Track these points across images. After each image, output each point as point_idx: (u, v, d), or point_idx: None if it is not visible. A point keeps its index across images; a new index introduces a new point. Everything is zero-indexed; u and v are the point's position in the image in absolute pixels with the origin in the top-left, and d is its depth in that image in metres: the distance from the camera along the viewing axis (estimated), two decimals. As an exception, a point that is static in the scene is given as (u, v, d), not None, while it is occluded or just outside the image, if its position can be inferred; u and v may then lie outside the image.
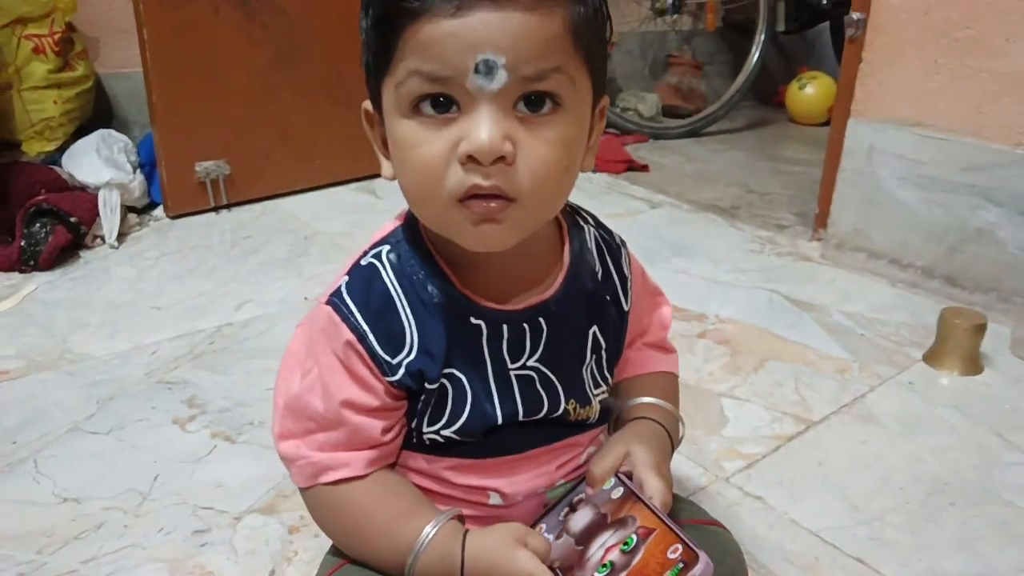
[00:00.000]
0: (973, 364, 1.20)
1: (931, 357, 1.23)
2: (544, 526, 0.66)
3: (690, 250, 1.64)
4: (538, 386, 0.63)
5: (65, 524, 0.87)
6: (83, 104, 1.77)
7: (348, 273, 0.62)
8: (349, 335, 0.59)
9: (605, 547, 0.62)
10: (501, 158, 0.51)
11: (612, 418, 0.74)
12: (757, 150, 2.41)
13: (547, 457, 0.65)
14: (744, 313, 1.37)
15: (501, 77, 0.50)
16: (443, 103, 0.52)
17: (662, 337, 0.77)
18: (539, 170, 0.52)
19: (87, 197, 1.58)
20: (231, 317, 1.33)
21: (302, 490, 0.63)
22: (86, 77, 1.75)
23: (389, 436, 0.62)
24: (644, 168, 2.17)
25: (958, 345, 1.20)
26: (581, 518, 0.66)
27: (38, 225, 1.47)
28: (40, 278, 1.44)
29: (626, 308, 0.69)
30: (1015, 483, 0.97)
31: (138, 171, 1.72)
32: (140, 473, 0.95)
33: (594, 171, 2.12)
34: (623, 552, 0.60)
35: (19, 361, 1.18)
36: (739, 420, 1.08)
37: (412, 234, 0.62)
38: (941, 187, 1.40)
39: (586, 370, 0.66)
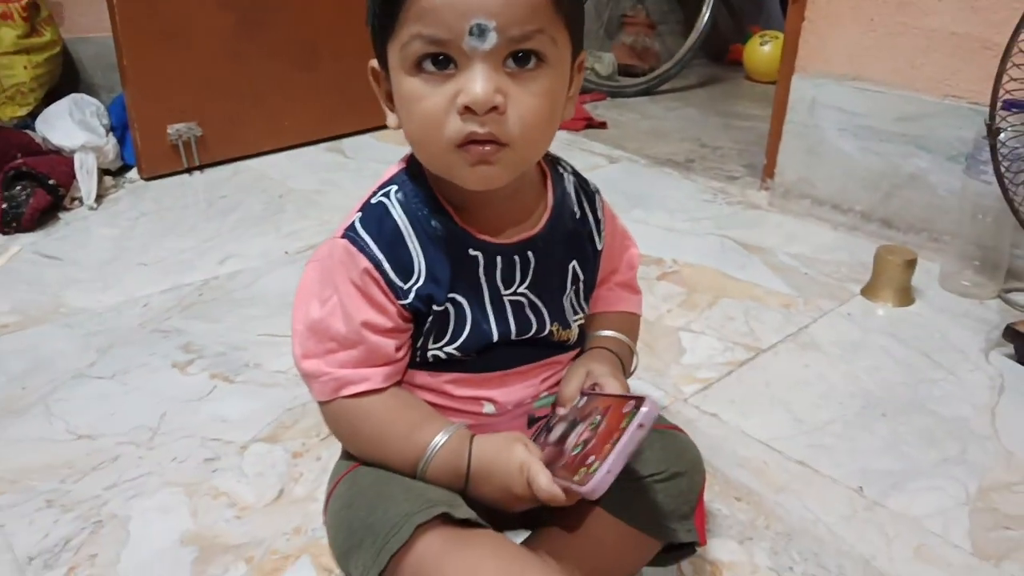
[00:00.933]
0: (905, 296, 1.33)
1: (868, 291, 1.35)
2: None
3: (648, 201, 1.74)
4: (527, 310, 0.73)
5: (82, 457, 0.94)
6: (52, 69, 1.79)
7: (360, 210, 0.70)
8: (366, 263, 0.67)
9: (579, 435, 0.71)
10: (494, 108, 0.59)
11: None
12: (709, 106, 2.51)
13: (534, 372, 0.75)
14: (698, 257, 1.48)
15: (492, 38, 0.58)
16: (442, 61, 0.60)
17: (630, 277, 0.86)
18: (527, 118, 0.61)
19: (63, 160, 1.61)
20: (216, 271, 1.39)
21: (322, 404, 0.72)
22: (54, 42, 1.77)
23: (400, 354, 0.71)
24: (602, 125, 2.25)
25: (891, 279, 1.32)
26: (557, 430, 0.76)
27: (18, 188, 1.51)
28: (24, 239, 1.48)
29: (599, 247, 0.79)
30: (938, 396, 1.09)
31: (110, 134, 1.75)
32: (147, 412, 1.02)
33: (554, 129, 2.20)
34: (591, 429, 0.68)
35: (15, 316, 1.23)
36: (695, 350, 1.19)
37: (415, 176, 0.70)
38: (877, 137, 1.51)
39: (567, 299, 0.76)
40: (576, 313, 0.78)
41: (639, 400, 0.64)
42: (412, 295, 0.68)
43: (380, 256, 0.67)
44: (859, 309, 1.31)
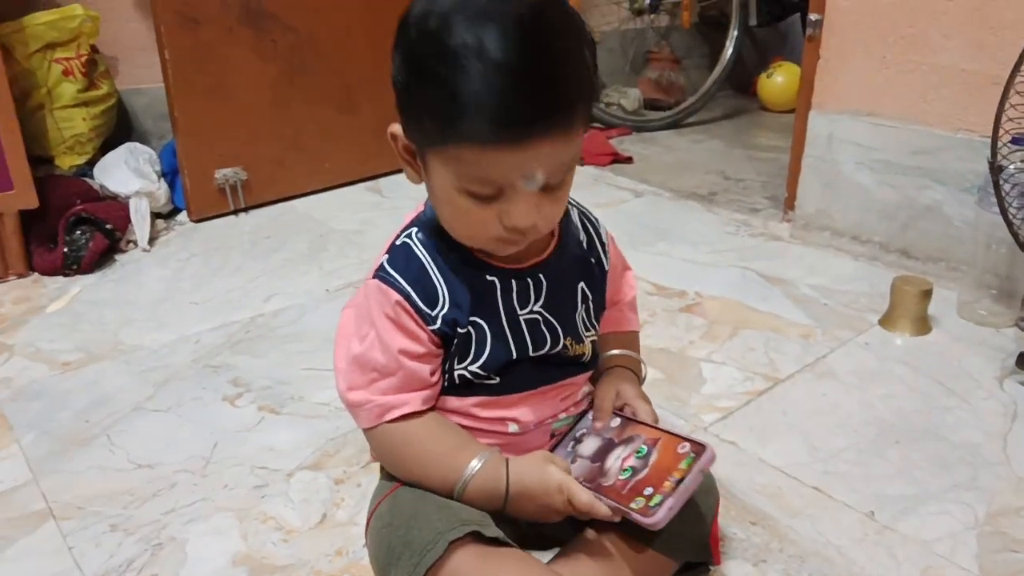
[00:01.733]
0: (922, 325, 1.37)
1: (885, 320, 1.39)
2: (559, 456, 0.82)
3: (672, 234, 1.80)
4: (542, 326, 0.81)
5: (143, 485, 1.02)
6: (108, 119, 1.91)
7: (387, 252, 0.80)
8: (397, 296, 0.76)
9: (620, 459, 0.79)
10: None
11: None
12: (733, 138, 2.57)
13: (553, 393, 0.83)
14: (720, 289, 1.53)
15: (540, 182, 0.68)
16: (491, 196, 0.69)
17: (632, 297, 0.96)
18: (553, 217, 0.74)
19: (119, 206, 1.72)
20: (262, 308, 1.48)
21: (367, 431, 0.80)
22: (110, 95, 1.89)
23: (435, 378, 0.79)
24: (628, 160, 2.32)
25: (908, 309, 1.36)
26: (590, 445, 0.83)
27: (78, 232, 1.61)
28: (83, 281, 1.59)
29: (606, 268, 0.88)
30: (951, 423, 1.13)
31: (162, 179, 1.86)
32: (201, 442, 1.10)
33: (581, 164, 2.27)
34: (638, 458, 0.78)
35: (78, 353, 1.33)
36: (716, 380, 1.24)
37: (432, 219, 0.79)
38: (893, 170, 1.56)
39: (578, 316, 0.84)
40: (588, 329, 0.86)
41: (697, 446, 0.75)
42: (439, 321, 0.77)
43: (408, 288, 0.77)
44: (877, 339, 1.35)
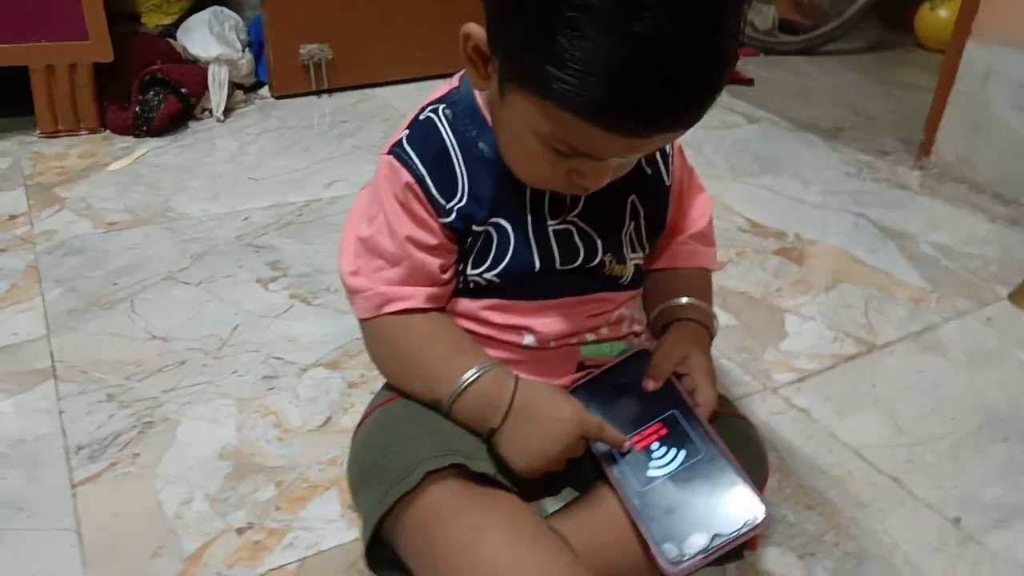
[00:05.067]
0: (1062, 307, 1.15)
1: (1017, 295, 1.18)
2: (586, 396, 0.69)
3: (780, 167, 1.59)
4: (576, 238, 0.68)
5: (152, 358, 0.96)
6: (199, -20, 1.83)
7: (408, 127, 0.68)
8: (408, 178, 0.65)
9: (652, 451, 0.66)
10: None
11: (657, 311, 0.77)
12: (873, 73, 2.28)
13: (578, 306, 0.70)
14: (825, 234, 1.34)
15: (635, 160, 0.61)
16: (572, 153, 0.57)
17: (705, 227, 0.79)
18: (626, 171, 0.63)
19: (198, 70, 1.66)
20: (320, 193, 1.39)
21: (363, 322, 0.70)
22: (204, -47, 1.81)
23: (446, 276, 0.68)
24: (748, 82, 2.09)
25: (1048, 286, 1.15)
26: (628, 405, 0.69)
27: (152, 93, 1.56)
28: (151, 143, 1.54)
29: (667, 183, 0.73)
30: (1078, 426, 0.94)
31: (247, 49, 1.79)
32: (222, 322, 1.03)
33: (696, 82, 2.06)
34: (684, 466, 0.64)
35: (126, 215, 1.28)
36: (799, 336, 1.08)
37: (467, 97, 0.66)
38: (1060, 119, 1.31)
39: (625, 234, 0.72)
40: (635, 251, 0.73)
41: (751, 502, 0.61)
42: (454, 214, 0.66)
43: (423, 171, 0.65)
44: (1002, 314, 1.15)
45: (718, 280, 1.17)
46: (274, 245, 1.22)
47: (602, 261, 0.70)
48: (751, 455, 0.71)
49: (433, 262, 0.67)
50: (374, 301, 0.68)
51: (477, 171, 0.66)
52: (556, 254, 0.68)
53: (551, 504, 0.72)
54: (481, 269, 0.68)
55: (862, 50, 2.52)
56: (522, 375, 0.67)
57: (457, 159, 0.66)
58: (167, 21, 1.77)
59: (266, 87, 1.83)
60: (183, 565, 0.71)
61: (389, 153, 0.67)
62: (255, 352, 0.98)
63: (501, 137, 0.63)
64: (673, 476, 0.64)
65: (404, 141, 0.67)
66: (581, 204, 0.68)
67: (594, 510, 0.67)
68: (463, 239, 0.68)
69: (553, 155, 0.58)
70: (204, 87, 1.65)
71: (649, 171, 0.72)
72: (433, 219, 0.66)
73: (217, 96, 1.65)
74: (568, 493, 0.72)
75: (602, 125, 0.53)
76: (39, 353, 0.95)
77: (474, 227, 0.67)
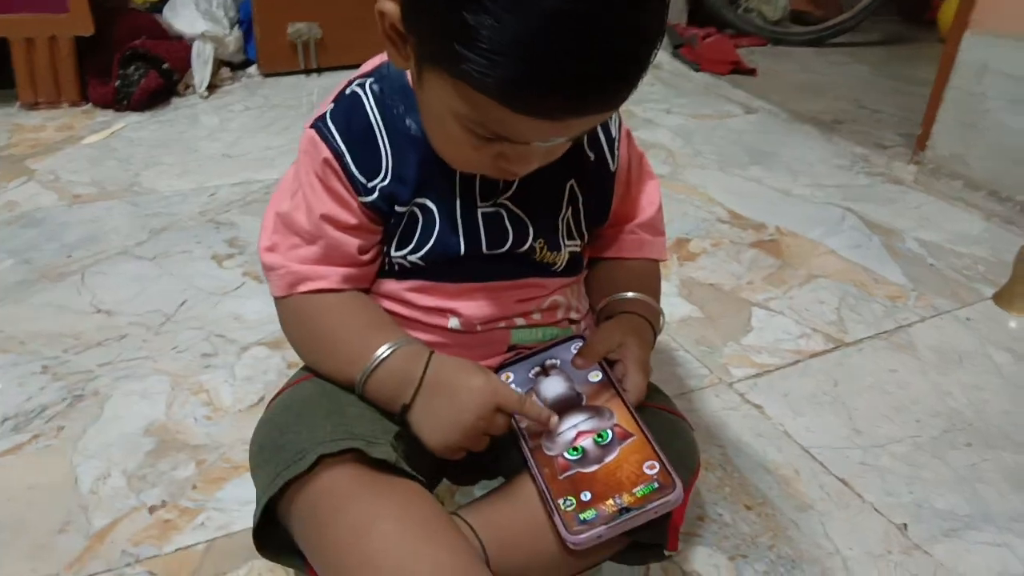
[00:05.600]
0: (1048, 310, 1.10)
1: (1001, 297, 1.13)
2: (512, 375, 0.67)
3: (771, 160, 1.55)
4: (506, 222, 0.65)
5: (93, 331, 0.94)
6: (191, -44, 1.81)
7: (333, 101, 0.65)
8: (327, 153, 0.62)
9: (577, 430, 0.63)
10: None
11: (602, 304, 0.74)
12: (884, 67, 2.22)
13: (507, 290, 0.67)
14: (807, 228, 1.29)
15: (559, 143, 0.56)
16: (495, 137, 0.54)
17: (652, 216, 0.75)
18: (557, 157, 0.59)
19: (183, 46, 1.64)
20: (292, 172, 1.37)
21: (278, 300, 0.67)
22: (195, -71, 1.79)
23: (365, 257, 0.65)
24: (751, 72, 2.04)
25: (1033, 287, 1.09)
26: (553, 386, 0.67)
27: (133, 68, 1.55)
28: (131, 117, 1.53)
29: (612, 168, 0.69)
30: (1048, 434, 0.89)
31: (236, 27, 1.77)
32: (170, 298, 1.01)
33: (697, 70, 2.02)
34: (597, 444, 0.62)
35: (92, 188, 1.27)
36: (763, 331, 1.04)
37: (396, 72, 0.63)
38: (1058, 114, 1.25)
39: (562, 220, 0.68)
40: (572, 238, 0.69)
41: (667, 477, 0.58)
42: (375, 193, 0.62)
43: (343, 147, 0.62)
44: (983, 316, 1.10)
45: (687, 271, 1.15)
46: (235, 222, 1.20)
47: (532, 247, 0.67)
48: (677, 450, 0.67)
49: (351, 242, 0.64)
50: (287, 279, 0.65)
51: (402, 149, 0.63)
52: (483, 238, 0.65)
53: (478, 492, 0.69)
54: (405, 251, 0.65)
55: (876, 43, 2.45)
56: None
57: (381, 136, 0.63)
58: (156, -3, 1.76)
59: (255, 65, 1.81)
60: (88, 541, 0.69)
61: (311, 127, 0.64)
62: (198, 329, 0.96)
63: (424, 119, 0.60)
64: (588, 449, 0.61)
65: (328, 115, 0.63)
66: (515, 186, 0.65)
67: (510, 503, 0.64)
68: (386, 219, 0.65)
69: (475, 139, 0.55)
70: (188, 63, 1.64)
71: (592, 155, 0.68)
72: (352, 197, 0.63)
73: (200, 72, 1.64)
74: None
75: (512, 107, 0.49)
76: (-20, 323, 0.94)
77: (397, 207, 0.64)
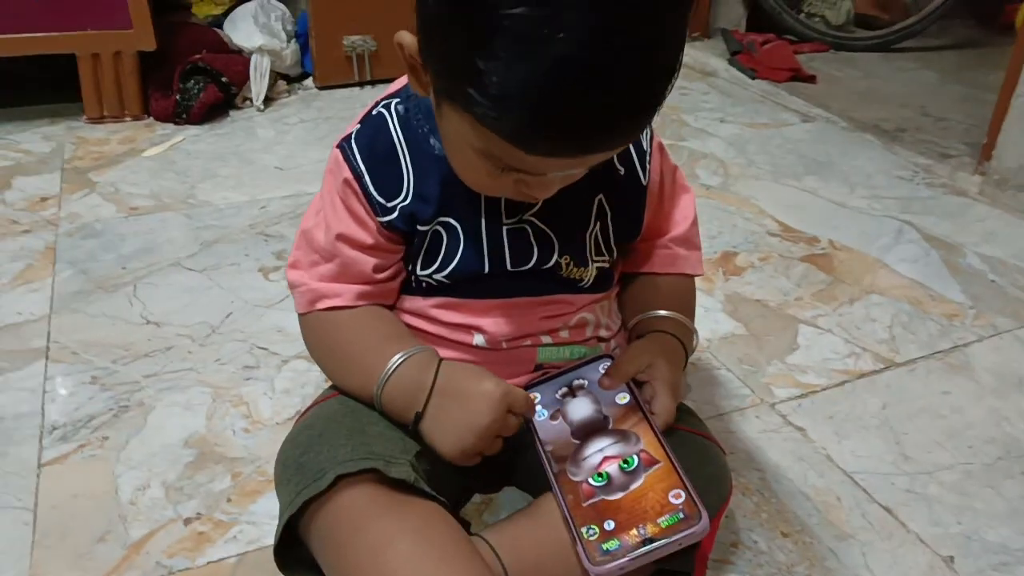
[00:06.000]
0: (1120, 331, 1.04)
1: (1069, 316, 1.07)
2: (538, 395, 0.67)
3: (828, 170, 1.50)
4: (531, 238, 0.65)
5: (142, 342, 0.97)
6: (251, -29, 1.86)
7: (360, 121, 0.66)
8: (348, 174, 0.64)
9: (604, 454, 0.63)
10: None
11: (634, 322, 0.74)
12: (953, 73, 2.13)
13: (532, 307, 0.67)
14: (862, 242, 1.25)
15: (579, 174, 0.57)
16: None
17: (686, 230, 0.74)
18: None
19: (241, 60, 1.68)
20: (341, 184, 1.39)
21: (301, 316, 0.70)
22: (255, -55, 1.84)
23: (382, 275, 0.66)
24: (811, 79, 1.99)
25: (1103, 306, 1.04)
26: (580, 408, 0.66)
27: (192, 82, 1.59)
28: (190, 131, 1.57)
29: (644, 182, 0.69)
30: (1114, 465, 0.84)
31: (293, 40, 1.80)
32: (217, 309, 1.04)
33: (753, 77, 1.98)
34: (622, 470, 0.61)
35: (150, 201, 1.31)
36: (810, 349, 1.01)
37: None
38: None
39: (590, 235, 0.68)
40: (600, 254, 0.69)
41: (692, 508, 0.56)
42: (396, 213, 0.64)
43: (363, 168, 0.64)
44: (1048, 336, 1.05)
45: (733, 286, 1.12)
46: (285, 235, 1.22)
47: (558, 263, 0.67)
48: (707, 476, 0.66)
49: (366, 261, 0.65)
50: (307, 296, 0.67)
51: (425, 169, 0.63)
52: (507, 256, 0.65)
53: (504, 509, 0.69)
54: (430, 270, 0.66)
55: (946, 48, 2.36)
56: None
57: (404, 157, 0.64)
58: (217, 11, 1.81)
59: (311, 78, 1.85)
60: (125, 551, 0.71)
61: (337, 147, 0.66)
62: (242, 341, 0.98)
63: (445, 145, 0.60)
64: (613, 475, 0.61)
65: (353, 136, 0.65)
66: (541, 202, 0.64)
67: (534, 525, 0.64)
68: (408, 239, 0.66)
69: (493, 168, 0.55)
70: (246, 76, 1.67)
71: (622, 169, 0.68)
72: (371, 218, 0.64)
73: (257, 85, 1.68)
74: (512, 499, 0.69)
75: (523, 149, 0.50)
76: (38, 333, 0.98)
77: (419, 227, 0.64)
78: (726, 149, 1.57)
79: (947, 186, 1.45)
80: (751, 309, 1.08)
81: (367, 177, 0.63)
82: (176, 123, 1.59)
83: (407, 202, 0.64)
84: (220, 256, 1.16)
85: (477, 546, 0.62)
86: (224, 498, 0.76)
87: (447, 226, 0.65)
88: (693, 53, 2.11)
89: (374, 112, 0.66)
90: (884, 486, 0.81)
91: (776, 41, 2.18)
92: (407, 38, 0.55)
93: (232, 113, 1.66)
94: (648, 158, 0.69)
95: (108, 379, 0.91)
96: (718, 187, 1.42)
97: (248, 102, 1.69)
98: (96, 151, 1.47)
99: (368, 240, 0.65)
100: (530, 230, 0.65)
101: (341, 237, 0.64)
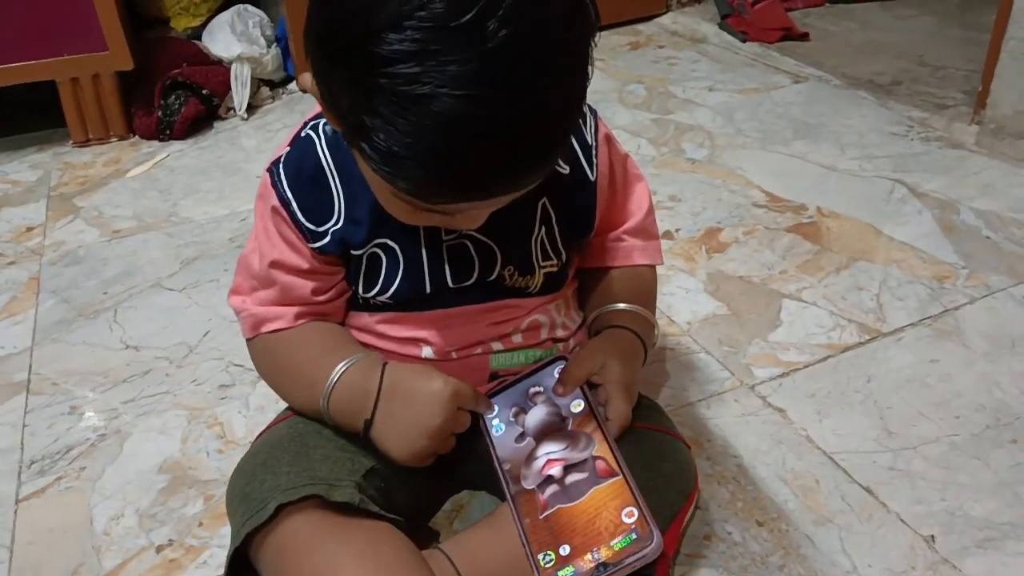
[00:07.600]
0: (1121, 280, 0.99)
1: (1067, 269, 1.03)
2: (495, 409, 0.66)
3: (818, 132, 1.46)
4: (472, 252, 0.64)
5: (120, 368, 0.98)
6: (226, -21, 1.85)
7: (289, 144, 0.66)
8: (275, 201, 0.63)
9: (548, 457, 0.62)
10: None
11: (592, 316, 0.72)
12: (956, 17, 2.05)
13: (479, 315, 0.66)
14: (852, 206, 1.22)
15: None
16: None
17: (641, 220, 0.72)
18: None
19: (222, 70, 1.68)
20: (322, 189, 1.38)
21: (248, 341, 0.70)
22: (228, -48, 1.83)
23: (321, 298, 0.66)
24: (803, 37, 1.93)
25: (1101, 256, 0.99)
26: (537, 418, 0.66)
27: (173, 97, 1.59)
28: (174, 147, 1.57)
29: (592, 178, 0.66)
30: (1110, 426, 0.81)
31: (274, 45, 1.79)
32: (195, 328, 1.04)
33: (744, 40, 1.92)
34: (574, 474, 0.61)
35: (132, 222, 1.31)
36: (793, 324, 0.98)
37: None
38: None
39: (535, 240, 0.66)
40: (547, 258, 0.67)
41: (645, 528, 0.56)
42: (328, 237, 0.63)
43: (289, 196, 0.63)
44: (1045, 293, 1.01)
45: (716, 263, 1.10)
46: (265, 246, 1.22)
47: (500, 275, 0.65)
48: (667, 474, 0.65)
49: (304, 285, 0.65)
50: (250, 322, 0.67)
51: (356, 192, 0.62)
52: (448, 273, 0.64)
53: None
54: (372, 292, 0.65)
55: (948, -10, 2.27)
56: None
57: (334, 180, 0.62)
58: (195, 23, 1.81)
59: (295, 81, 1.84)
60: (98, 583, 0.72)
61: (268, 170, 0.65)
62: (218, 360, 0.98)
63: (369, 181, 0.59)
64: (564, 481, 0.60)
65: (281, 160, 0.64)
66: None
67: (495, 535, 0.63)
68: (345, 262, 0.65)
69: (411, 207, 0.54)
70: (227, 86, 1.67)
71: (566, 169, 0.65)
72: (303, 244, 0.63)
73: (239, 95, 1.67)
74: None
75: (424, 200, 0.50)
76: (20, 366, 0.99)
77: (353, 251, 0.63)
78: (713, 119, 1.53)
79: (943, 139, 1.40)
80: (734, 287, 1.05)
81: (294, 204, 0.62)
82: (160, 140, 1.59)
83: (339, 225, 0.62)
84: (199, 273, 1.16)
85: (435, 560, 0.61)
86: (196, 523, 0.77)
87: (385, 247, 0.64)
88: (683, 20, 2.06)
89: (302, 134, 0.65)
90: (865, 465, 0.78)
91: (767, 0, 2.12)
92: (308, 82, 0.54)
93: (216, 124, 1.66)
94: (594, 152, 0.66)
95: (87, 408, 0.92)
96: (704, 160, 1.39)
97: (232, 112, 1.69)
98: (82, 175, 1.48)
99: (303, 265, 0.64)
100: (471, 244, 0.64)
101: (275, 264, 0.64)
